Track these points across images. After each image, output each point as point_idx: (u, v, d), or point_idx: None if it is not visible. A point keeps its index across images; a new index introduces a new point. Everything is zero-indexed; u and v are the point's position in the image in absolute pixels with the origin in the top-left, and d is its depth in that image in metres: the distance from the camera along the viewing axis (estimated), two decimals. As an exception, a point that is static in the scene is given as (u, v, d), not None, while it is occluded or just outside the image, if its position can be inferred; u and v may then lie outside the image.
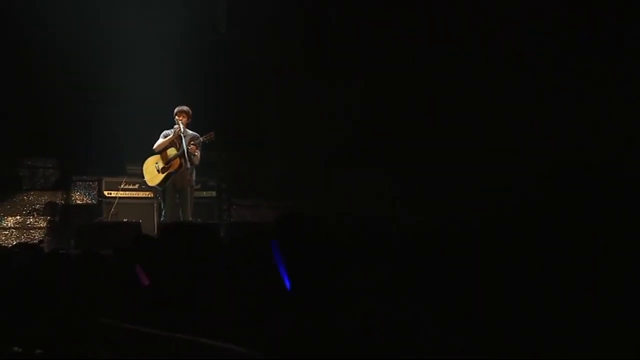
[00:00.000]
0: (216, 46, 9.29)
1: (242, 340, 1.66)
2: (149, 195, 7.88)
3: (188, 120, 6.89)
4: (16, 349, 2.21)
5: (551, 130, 6.51)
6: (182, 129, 6.76)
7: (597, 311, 1.53)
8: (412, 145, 7.90)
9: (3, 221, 8.01)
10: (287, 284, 2.02)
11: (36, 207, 8.33)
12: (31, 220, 8.16)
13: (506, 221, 1.96)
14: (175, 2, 8.77)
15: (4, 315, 2.52)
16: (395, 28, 8.24)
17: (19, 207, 8.27)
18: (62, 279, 2.80)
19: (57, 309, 2.50)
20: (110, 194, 7.97)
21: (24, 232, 7.99)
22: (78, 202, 8.57)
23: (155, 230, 7.34)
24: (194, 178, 7.06)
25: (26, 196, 8.41)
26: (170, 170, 6.84)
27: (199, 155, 6.87)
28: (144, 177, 7.10)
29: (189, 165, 6.83)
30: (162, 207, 7.10)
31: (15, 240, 7.61)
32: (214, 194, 8.69)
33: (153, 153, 6.97)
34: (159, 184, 6.91)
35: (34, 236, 7.90)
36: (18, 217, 8.13)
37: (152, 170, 6.97)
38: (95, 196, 8.31)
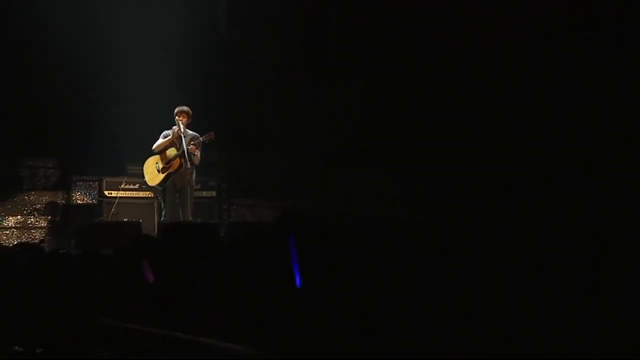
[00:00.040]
0: (216, 46, 9.30)
1: (242, 340, 1.66)
2: (149, 195, 7.88)
3: (188, 120, 6.89)
4: (17, 348, 2.21)
5: (551, 130, 6.50)
6: (182, 129, 6.76)
7: (597, 311, 1.53)
8: (412, 145, 7.89)
9: (4, 221, 8.02)
10: (298, 280, 2.02)
11: (37, 207, 8.34)
12: (32, 220, 8.17)
13: (506, 221, 1.96)
14: (175, 2, 8.78)
15: (5, 314, 2.52)
16: (395, 28, 8.24)
17: (19, 207, 8.28)
18: (62, 278, 2.80)
19: (57, 308, 2.50)
20: (111, 193, 7.97)
21: (25, 232, 8.01)
22: (78, 202, 8.58)
23: (156, 230, 7.35)
24: (194, 178, 7.05)
25: (27, 196, 8.41)
26: (171, 170, 6.84)
27: (199, 155, 6.87)
28: (144, 177, 7.10)
29: (189, 165, 6.82)
30: (162, 207, 7.10)
31: (16, 240, 7.63)
32: (214, 194, 8.69)
33: (153, 153, 6.98)
34: (159, 184, 6.92)
35: (35, 236, 7.92)
36: (19, 217, 8.14)
37: (152, 170, 6.97)
38: (96, 196, 8.32)
